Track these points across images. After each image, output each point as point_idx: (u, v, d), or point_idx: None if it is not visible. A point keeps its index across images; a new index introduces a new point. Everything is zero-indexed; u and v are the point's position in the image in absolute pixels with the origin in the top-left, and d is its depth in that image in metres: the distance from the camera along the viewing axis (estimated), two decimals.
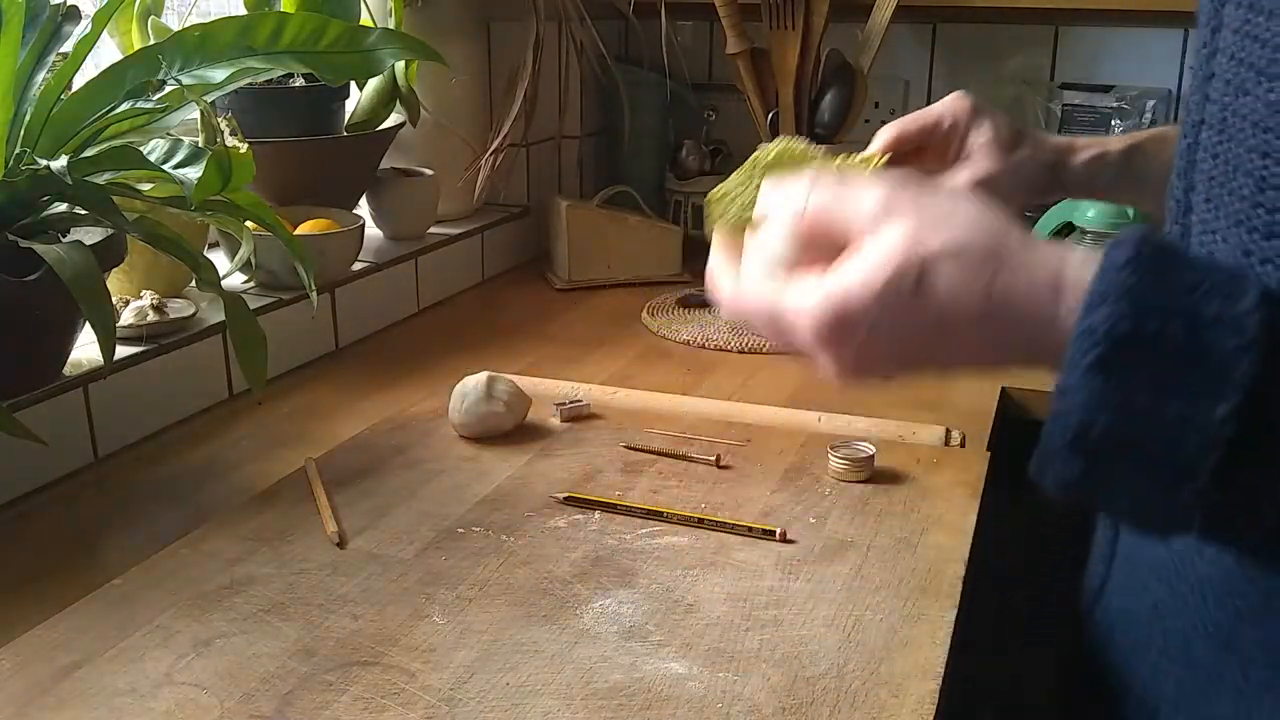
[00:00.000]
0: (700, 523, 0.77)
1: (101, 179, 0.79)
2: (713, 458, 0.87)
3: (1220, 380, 0.40)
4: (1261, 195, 0.47)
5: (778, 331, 0.50)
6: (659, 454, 0.88)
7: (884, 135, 0.80)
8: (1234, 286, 0.41)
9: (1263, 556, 0.47)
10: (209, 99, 0.85)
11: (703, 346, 1.18)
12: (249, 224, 0.89)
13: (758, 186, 0.78)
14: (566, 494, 0.81)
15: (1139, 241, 0.41)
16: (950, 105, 0.81)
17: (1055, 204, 0.85)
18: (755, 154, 0.79)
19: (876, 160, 0.79)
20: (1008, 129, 0.80)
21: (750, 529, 0.76)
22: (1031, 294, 0.44)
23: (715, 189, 0.81)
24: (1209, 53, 0.52)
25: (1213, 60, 0.51)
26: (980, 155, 0.80)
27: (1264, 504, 0.41)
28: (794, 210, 0.50)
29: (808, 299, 0.47)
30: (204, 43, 0.80)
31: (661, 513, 0.78)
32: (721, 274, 0.54)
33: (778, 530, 0.75)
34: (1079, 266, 0.43)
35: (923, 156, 0.82)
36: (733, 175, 0.81)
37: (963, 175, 0.80)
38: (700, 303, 1.30)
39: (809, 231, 0.49)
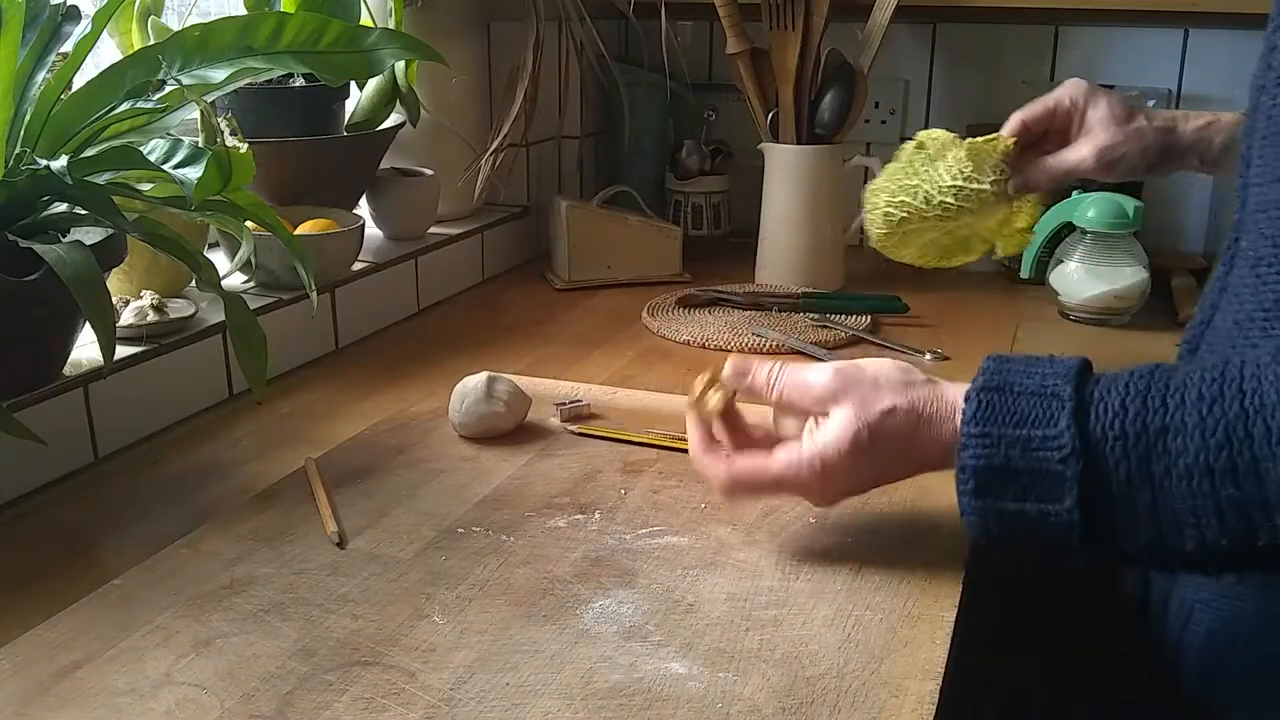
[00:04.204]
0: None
1: (101, 179, 0.79)
2: None
3: (1057, 485, 0.58)
4: None
5: (767, 489, 0.70)
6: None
7: (1011, 121, 0.93)
8: (1049, 412, 0.59)
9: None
10: (209, 99, 0.85)
11: (703, 346, 1.18)
12: (249, 224, 0.89)
13: (900, 179, 0.95)
14: (580, 429, 0.91)
15: (979, 391, 0.61)
16: (1068, 88, 0.92)
17: (1167, 175, 0.96)
18: (900, 148, 0.96)
19: (1005, 144, 0.91)
20: (1120, 104, 0.91)
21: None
22: (937, 439, 0.64)
23: (868, 185, 0.98)
24: (1274, 27, 0.62)
25: (1277, 34, 0.62)
26: (1099, 128, 0.89)
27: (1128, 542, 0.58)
28: (764, 390, 0.71)
29: (797, 458, 0.67)
30: (204, 43, 0.80)
31: (662, 445, 0.90)
32: (708, 454, 0.72)
33: None
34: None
35: (1047, 138, 0.93)
36: (884, 169, 0.97)
37: (1085, 148, 0.90)
38: (700, 303, 1.30)
39: (780, 407, 0.71)
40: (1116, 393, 0.58)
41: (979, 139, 0.92)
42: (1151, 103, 1.42)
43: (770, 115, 1.37)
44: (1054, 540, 0.60)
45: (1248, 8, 1.23)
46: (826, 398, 0.67)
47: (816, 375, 0.68)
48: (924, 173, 0.93)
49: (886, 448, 0.65)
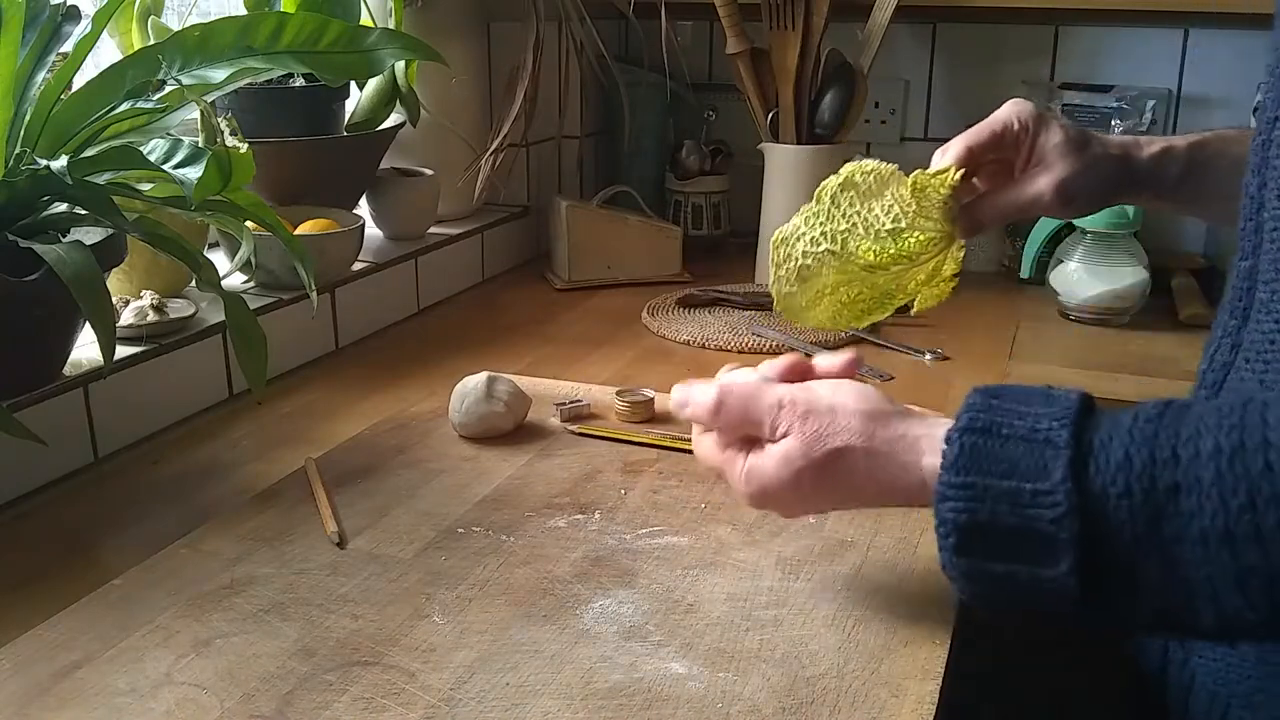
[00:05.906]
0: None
1: (101, 179, 0.79)
2: None
3: (1050, 548, 0.50)
4: None
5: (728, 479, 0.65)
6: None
7: (955, 149, 0.77)
8: (1041, 461, 0.51)
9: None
10: (209, 99, 0.85)
11: (703, 346, 1.18)
12: (249, 224, 0.89)
13: (822, 223, 0.79)
14: (580, 429, 0.91)
15: (961, 434, 0.53)
16: (1014, 109, 0.79)
17: (1121, 203, 0.85)
18: (821, 186, 0.79)
19: (952, 175, 0.76)
20: (1075, 129, 0.79)
21: None
22: (901, 482, 0.58)
23: (777, 232, 0.82)
24: None
25: None
26: (1056, 157, 0.78)
27: (1134, 608, 0.51)
28: (709, 409, 0.63)
29: (740, 479, 0.62)
30: (204, 43, 0.80)
31: (662, 445, 0.89)
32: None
33: None
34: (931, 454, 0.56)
35: (993, 166, 0.80)
36: (799, 212, 0.80)
37: (1043, 180, 0.77)
38: (700, 303, 1.30)
39: (726, 424, 0.63)
40: (1120, 440, 0.50)
41: (925, 172, 0.76)
42: (1152, 103, 1.42)
43: (770, 115, 1.37)
44: (1049, 606, 0.52)
45: (1248, 8, 1.23)
46: (774, 424, 0.61)
47: (765, 397, 0.61)
48: (854, 215, 0.77)
49: (837, 485, 0.60)
